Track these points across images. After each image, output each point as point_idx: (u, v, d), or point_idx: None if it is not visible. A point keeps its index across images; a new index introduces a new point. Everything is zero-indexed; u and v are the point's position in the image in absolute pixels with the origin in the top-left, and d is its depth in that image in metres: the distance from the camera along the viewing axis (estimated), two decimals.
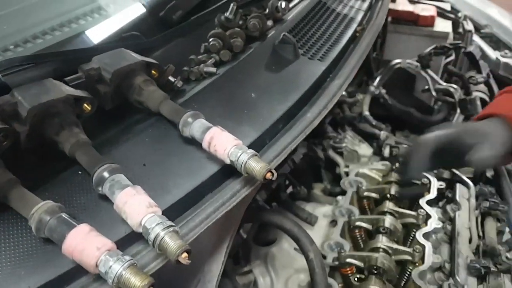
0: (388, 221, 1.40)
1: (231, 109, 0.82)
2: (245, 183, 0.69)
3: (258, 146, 0.78)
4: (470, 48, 1.57)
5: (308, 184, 1.74)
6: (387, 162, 1.73)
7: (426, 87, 1.77)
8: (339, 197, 1.58)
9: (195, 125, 0.70)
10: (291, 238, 1.06)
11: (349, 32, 1.15)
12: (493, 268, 1.17)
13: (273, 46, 0.99)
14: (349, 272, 1.33)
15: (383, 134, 1.79)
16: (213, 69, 0.86)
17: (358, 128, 1.82)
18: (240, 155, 0.66)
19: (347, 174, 1.72)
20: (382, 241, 1.33)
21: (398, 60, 1.71)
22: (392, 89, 1.97)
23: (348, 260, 1.32)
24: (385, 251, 1.31)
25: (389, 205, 1.48)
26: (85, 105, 0.70)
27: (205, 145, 0.68)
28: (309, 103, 0.91)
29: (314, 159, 1.71)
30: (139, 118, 0.77)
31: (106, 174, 0.59)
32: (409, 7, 1.81)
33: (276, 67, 0.97)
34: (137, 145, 0.72)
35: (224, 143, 0.67)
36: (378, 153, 1.80)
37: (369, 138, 1.84)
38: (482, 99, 1.78)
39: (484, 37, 2.17)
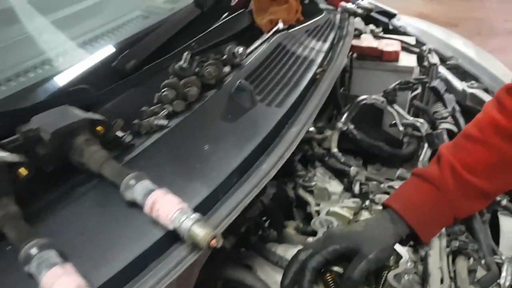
0: None
1: (182, 164, 0.79)
2: (193, 247, 0.65)
3: (209, 203, 0.75)
4: (434, 83, 1.58)
5: (280, 223, 1.70)
6: (357, 200, 1.71)
7: (393, 121, 1.77)
8: (309, 239, 1.55)
9: (137, 188, 0.66)
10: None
11: (309, 75, 1.14)
12: None
13: (229, 94, 0.97)
14: None
15: (353, 170, 1.77)
16: (163, 122, 0.83)
17: (328, 164, 1.80)
18: (183, 221, 0.62)
19: (318, 212, 1.69)
20: None
21: (364, 96, 1.72)
22: (361, 124, 1.98)
23: None
24: None
25: None
26: (21, 170, 0.66)
27: (147, 209, 0.65)
28: (265, 152, 0.88)
29: (285, 198, 1.68)
30: (81, 180, 0.73)
31: (34, 251, 0.55)
32: (374, 43, 1.83)
33: (232, 116, 0.95)
34: (77, 211, 0.68)
35: (167, 208, 0.63)
36: (349, 189, 1.78)
37: (340, 174, 1.82)
38: (450, 131, 1.80)
39: (450, 68, 2.21)
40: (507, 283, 1.39)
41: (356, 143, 1.93)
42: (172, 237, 0.65)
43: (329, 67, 1.23)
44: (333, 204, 1.71)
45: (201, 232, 0.61)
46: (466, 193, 0.90)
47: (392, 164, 1.92)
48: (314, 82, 1.16)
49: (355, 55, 1.92)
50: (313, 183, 1.65)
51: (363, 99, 1.75)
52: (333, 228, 1.37)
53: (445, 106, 1.65)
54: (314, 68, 1.20)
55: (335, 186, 1.76)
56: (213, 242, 0.61)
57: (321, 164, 1.81)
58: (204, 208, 0.73)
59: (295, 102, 1.05)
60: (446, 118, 1.61)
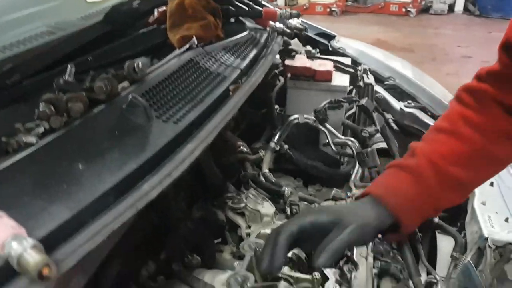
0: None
1: (46, 185, 0.71)
2: (34, 280, 0.57)
3: (71, 227, 0.67)
4: (363, 101, 1.57)
5: (210, 248, 1.62)
6: None
7: (326, 141, 1.75)
8: (236, 263, 1.47)
9: None
10: None
11: (218, 92, 1.10)
12: None
13: (121, 110, 0.91)
14: None
15: (287, 191, 1.73)
16: (32, 139, 0.76)
17: (262, 185, 1.75)
18: (15, 248, 0.55)
19: (249, 235, 1.63)
20: None
21: (295, 116, 1.69)
22: (298, 144, 1.95)
23: None
24: None
25: (284, 270, 1.39)
26: None
27: None
28: (152, 172, 0.82)
29: (215, 222, 1.61)
30: None
31: None
32: (307, 63, 1.82)
33: (120, 132, 0.88)
34: None
35: None
36: (284, 210, 1.73)
37: (275, 195, 1.78)
38: (383, 149, 1.79)
39: (388, 88, 2.23)
40: None
41: (293, 163, 1.90)
42: (9, 268, 0.57)
43: (244, 84, 1.19)
44: (265, 227, 1.65)
45: (32, 260, 0.54)
46: (442, 182, 0.86)
47: (332, 184, 1.88)
48: (224, 99, 1.12)
49: (289, 75, 1.90)
50: (242, 205, 1.59)
51: (294, 119, 1.72)
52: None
53: (374, 124, 1.64)
54: (226, 84, 1.16)
55: (267, 208, 1.70)
56: (46, 271, 0.53)
57: (255, 186, 1.76)
58: (62, 233, 0.66)
59: (197, 118, 0.99)
60: (373, 135, 1.59)
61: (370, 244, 1.38)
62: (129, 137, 0.89)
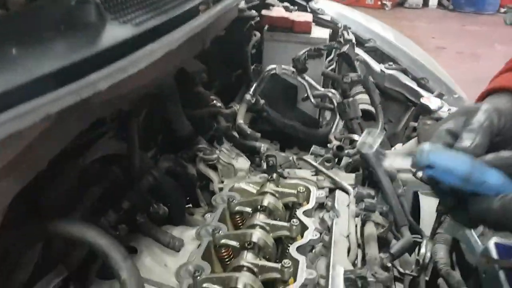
0: (256, 235, 1.19)
1: None
2: None
3: None
4: (344, 49, 1.47)
5: (179, 203, 1.50)
6: (264, 174, 1.55)
7: (305, 94, 1.65)
8: (207, 215, 1.35)
9: None
10: (97, 253, 0.80)
11: (187, 7, 0.98)
12: (371, 279, 0.98)
13: (68, 5, 0.78)
14: None
15: (263, 147, 1.62)
16: None
17: (237, 142, 1.64)
18: None
19: (222, 190, 1.51)
20: (246, 259, 1.11)
21: (272, 66, 1.58)
22: (275, 103, 1.84)
23: (205, 285, 1.07)
24: (249, 269, 1.08)
25: (260, 218, 1.28)
26: None
27: None
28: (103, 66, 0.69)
29: (185, 175, 1.48)
30: None
31: None
32: (284, 14, 1.71)
33: (67, 28, 0.75)
34: None
35: None
36: (259, 164, 1.62)
37: (250, 152, 1.66)
38: (364, 111, 1.70)
39: (368, 51, 2.15)
40: (427, 260, 1.27)
41: (270, 123, 1.79)
42: None
43: (214, 6, 1.07)
44: (240, 181, 1.54)
45: None
46: None
47: (309, 147, 1.77)
48: (192, 15, 1.00)
49: (266, 27, 1.79)
50: (214, 156, 1.47)
51: (271, 69, 1.61)
52: None
53: (355, 71, 1.54)
54: (196, 2, 1.04)
55: (242, 163, 1.58)
56: None
57: (230, 143, 1.64)
58: None
59: (160, 25, 0.87)
60: (355, 81, 1.49)
61: (353, 190, 1.29)
62: (77, 32, 0.76)
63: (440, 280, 1.29)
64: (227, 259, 1.25)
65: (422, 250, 1.25)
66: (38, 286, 0.97)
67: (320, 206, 1.35)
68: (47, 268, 1.02)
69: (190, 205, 1.59)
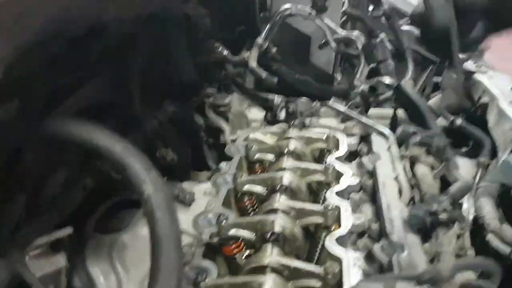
0: (287, 177, 1.00)
1: None
2: None
3: None
4: None
5: (187, 156, 1.29)
6: (283, 125, 1.36)
7: (324, 40, 1.46)
8: (222, 164, 1.15)
9: None
10: (110, 162, 0.59)
11: None
12: (441, 216, 0.80)
13: None
14: (234, 251, 0.88)
15: (277, 98, 1.43)
16: None
17: (249, 93, 1.44)
18: None
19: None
20: (280, 200, 0.92)
21: (287, 5, 1.39)
22: (286, 57, 1.65)
23: (233, 232, 0.87)
24: (284, 212, 0.88)
25: (288, 162, 1.09)
26: None
27: None
28: None
29: (191, 125, 1.27)
30: None
31: None
32: None
33: None
34: None
35: None
36: (272, 121, 1.43)
37: (264, 105, 1.47)
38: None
39: None
40: (471, 216, 1.10)
41: (281, 77, 1.60)
42: None
43: None
44: (254, 131, 1.34)
45: None
46: None
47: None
48: None
49: None
50: (225, 101, 1.27)
51: (286, 9, 1.42)
52: None
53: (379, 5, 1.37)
54: None
55: (255, 113, 1.39)
56: None
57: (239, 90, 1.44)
58: None
59: None
60: (379, 16, 1.32)
61: (391, 135, 1.11)
62: None
63: (490, 236, 1.11)
64: (250, 210, 1.05)
65: (465, 205, 1.07)
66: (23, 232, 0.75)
67: (352, 154, 1.17)
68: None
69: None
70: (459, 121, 1.30)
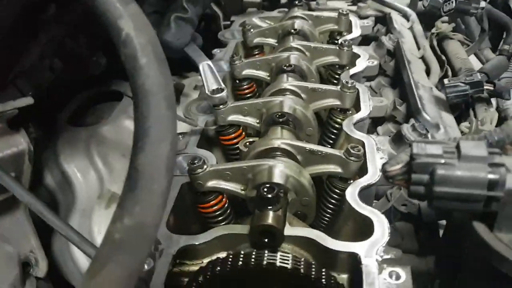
0: (294, 58, 0.82)
1: None
2: None
3: None
4: None
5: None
6: (284, 9, 1.17)
7: None
8: (216, 50, 0.98)
9: None
10: None
11: None
12: (487, 86, 0.67)
13: None
14: (235, 140, 0.75)
15: None
16: None
17: None
18: None
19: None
20: (288, 81, 0.77)
21: None
22: None
23: (233, 117, 0.73)
24: (294, 93, 0.73)
25: (294, 41, 0.92)
26: None
27: None
28: None
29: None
30: None
31: None
32: None
33: None
34: None
35: None
36: (271, 5, 1.24)
37: None
38: None
39: None
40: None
41: None
42: None
43: None
44: (251, 16, 1.16)
45: None
46: None
47: None
48: None
49: None
50: None
51: None
52: None
53: None
54: None
55: None
56: None
57: None
58: None
59: None
60: None
61: (413, 13, 0.94)
62: None
63: None
64: (249, 96, 0.90)
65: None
66: None
67: (366, 39, 1.01)
68: None
69: None
70: (483, 3, 1.12)
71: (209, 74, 0.80)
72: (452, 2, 0.77)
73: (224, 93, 0.69)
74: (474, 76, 0.65)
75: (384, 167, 0.42)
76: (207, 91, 0.72)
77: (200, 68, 0.79)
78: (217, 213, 0.61)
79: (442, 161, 0.38)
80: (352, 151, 0.59)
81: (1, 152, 0.51)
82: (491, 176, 0.36)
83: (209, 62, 0.80)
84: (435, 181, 0.37)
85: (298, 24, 0.92)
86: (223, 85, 0.73)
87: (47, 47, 0.74)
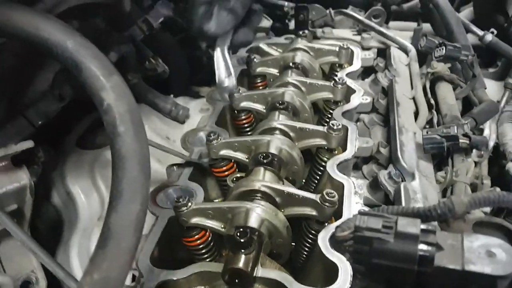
0: (289, 94, 0.88)
1: None
2: None
3: None
4: None
5: (182, 67, 1.17)
6: (291, 36, 1.22)
7: None
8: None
9: None
10: (62, 61, 0.48)
11: None
12: (463, 140, 0.70)
13: None
14: (226, 172, 0.80)
15: (287, 5, 1.27)
16: None
17: None
18: None
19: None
20: (279, 119, 0.82)
21: None
22: None
23: (224, 152, 0.79)
24: (283, 132, 0.78)
25: (292, 75, 0.97)
26: None
27: None
28: None
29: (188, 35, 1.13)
30: None
31: None
32: None
33: None
34: None
35: None
36: (280, 30, 1.28)
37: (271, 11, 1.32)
38: None
39: None
40: (492, 143, 0.98)
41: None
42: None
43: None
44: (258, 41, 1.21)
45: None
46: None
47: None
48: None
49: None
50: None
51: None
52: None
53: None
54: None
55: (263, 22, 1.25)
56: None
57: None
58: None
59: None
60: None
61: (413, 49, 0.97)
62: None
63: (510, 165, 1.00)
64: (247, 128, 0.96)
65: (486, 131, 0.95)
66: None
67: (367, 70, 1.04)
68: None
69: None
70: (489, 37, 1.12)
71: (221, 62, 0.85)
72: (442, 49, 0.80)
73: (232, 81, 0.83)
74: (451, 129, 0.68)
75: (335, 231, 0.46)
76: (217, 81, 0.81)
77: (214, 56, 0.84)
78: (200, 246, 0.66)
79: (380, 236, 0.42)
80: (327, 197, 0.63)
81: (5, 187, 0.58)
82: (421, 253, 0.40)
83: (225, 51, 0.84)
84: (372, 253, 0.41)
85: (298, 57, 0.96)
86: (232, 73, 0.81)
87: (58, 75, 0.81)
